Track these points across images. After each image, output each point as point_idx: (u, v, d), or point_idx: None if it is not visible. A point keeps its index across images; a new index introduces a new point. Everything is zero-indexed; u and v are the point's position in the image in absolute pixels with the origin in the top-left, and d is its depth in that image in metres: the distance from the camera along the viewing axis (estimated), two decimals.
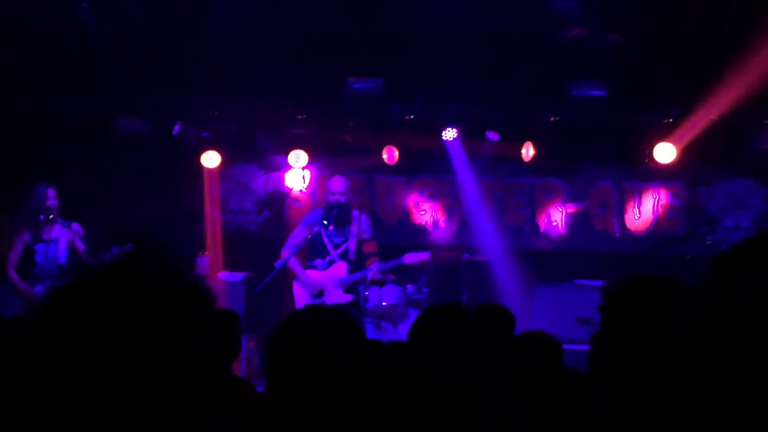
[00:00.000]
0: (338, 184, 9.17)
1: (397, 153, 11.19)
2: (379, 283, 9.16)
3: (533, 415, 3.18)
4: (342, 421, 2.64)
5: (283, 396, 2.66)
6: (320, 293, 9.03)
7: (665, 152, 10.44)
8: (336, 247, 9.16)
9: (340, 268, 9.09)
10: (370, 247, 9.25)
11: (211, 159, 11.52)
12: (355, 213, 9.24)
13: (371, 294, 9.36)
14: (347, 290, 9.07)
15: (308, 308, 2.97)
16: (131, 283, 1.56)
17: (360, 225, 9.18)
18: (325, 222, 9.04)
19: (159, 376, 1.51)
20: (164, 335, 1.53)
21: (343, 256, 9.13)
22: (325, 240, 9.14)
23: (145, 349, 1.51)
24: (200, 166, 11.58)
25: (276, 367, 2.70)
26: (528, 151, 10.87)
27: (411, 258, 9.18)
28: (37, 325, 1.54)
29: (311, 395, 2.64)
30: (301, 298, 9.16)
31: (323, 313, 2.86)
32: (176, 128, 11.15)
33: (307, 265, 9.22)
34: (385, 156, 11.21)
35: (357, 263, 9.12)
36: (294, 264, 9.15)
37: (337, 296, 8.98)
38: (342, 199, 9.05)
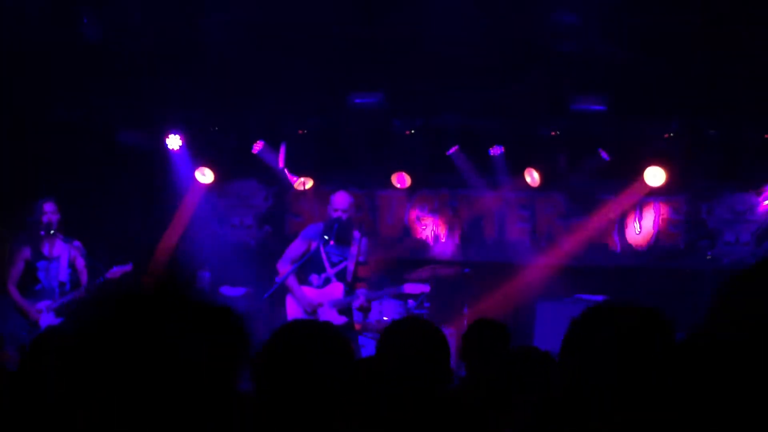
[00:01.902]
0: (342, 200, 9.00)
1: (408, 178, 11.24)
2: (365, 310, 9.09)
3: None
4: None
5: (270, 408, 2.68)
6: (314, 312, 8.87)
7: (655, 176, 10.55)
8: (333, 265, 8.98)
9: (336, 289, 8.93)
10: (363, 272, 9.13)
11: (204, 175, 11.52)
12: (356, 234, 9.06)
13: (372, 309, 9.33)
14: (341, 312, 8.91)
15: (296, 323, 2.99)
16: (147, 295, 1.58)
17: (360, 247, 9.04)
18: (326, 237, 8.92)
19: (194, 397, 1.53)
20: (176, 343, 1.54)
21: (340, 276, 8.96)
22: (323, 256, 8.98)
23: (158, 357, 1.52)
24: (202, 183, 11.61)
25: (263, 380, 2.72)
26: (533, 178, 10.91)
27: (411, 289, 9.13)
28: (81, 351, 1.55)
29: (299, 406, 2.66)
30: (294, 314, 9.02)
31: (311, 327, 2.89)
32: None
33: (303, 280, 9.07)
34: (397, 184, 11.27)
35: (353, 285, 9.00)
36: (290, 278, 9.01)
37: (331, 317, 8.81)
38: (344, 216, 8.90)
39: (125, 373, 1.50)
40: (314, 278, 8.96)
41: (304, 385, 2.67)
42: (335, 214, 8.87)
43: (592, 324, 2.38)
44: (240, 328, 1.65)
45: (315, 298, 8.87)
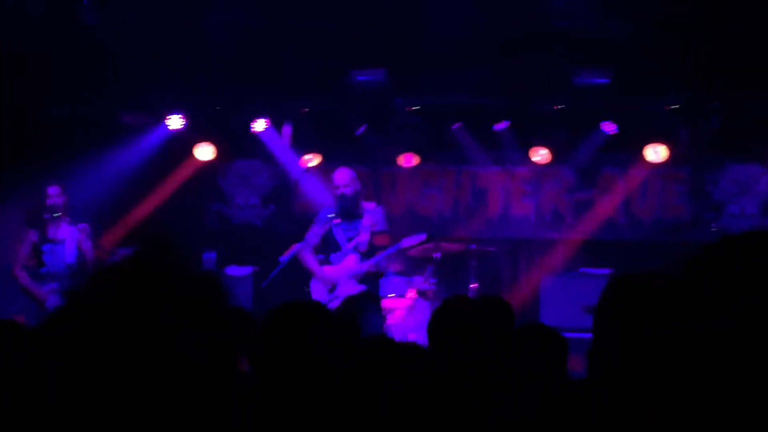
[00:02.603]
0: (342, 176, 9.02)
1: (415, 158, 11.22)
2: (377, 276, 9.11)
3: (537, 423, 3.18)
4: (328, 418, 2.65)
5: (267, 395, 2.68)
6: (333, 287, 8.97)
7: (656, 152, 10.56)
8: (349, 240, 9.08)
9: (352, 260, 9.03)
10: (380, 240, 9.15)
11: (204, 152, 11.47)
12: (370, 205, 9.12)
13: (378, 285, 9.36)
14: (360, 281, 8.99)
15: (288, 305, 2.99)
16: (142, 282, 1.57)
17: (374, 216, 9.09)
18: (330, 216, 8.99)
19: (169, 375, 1.52)
20: (172, 334, 1.54)
21: (355, 248, 9.06)
22: (337, 234, 9.07)
23: (153, 348, 1.52)
24: (201, 160, 11.58)
25: (259, 365, 2.72)
26: (542, 156, 10.90)
27: (409, 241, 9.11)
28: (53, 330, 1.56)
29: (296, 393, 2.65)
30: (318, 294, 9.11)
31: (305, 308, 2.88)
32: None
33: (322, 260, 9.16)
34: (405, 164, 11.27)
35: (369, 255, 9.05)
36: (311, 262, 9.07)
37: (349, 288, 8.90)
38: (347, 191, 8.93)
39: (119, 367, 1.50)
40: (334, 257, 9.07)
41: (300, 371, 2.66)
42: (338, 192, 8.93)
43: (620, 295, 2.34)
44: (238, 316, 1.65)
45: (333, 274, 8.98)
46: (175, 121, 11.14)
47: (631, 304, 2.20)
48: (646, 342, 2.06)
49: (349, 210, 8.95)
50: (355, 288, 8.84)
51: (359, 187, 9.14)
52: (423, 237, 9.15)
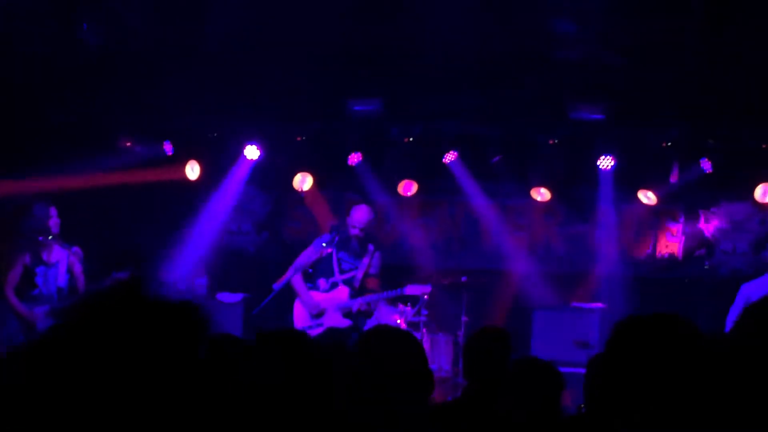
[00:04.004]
0: (361, 217, 9.15)
1: (414, 186, 11.21)
2: (366, 314, 9.15)
3: None
4: None
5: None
6: (320, 314, 9.00)
7: (648, 197, 10.64)
8: (342, 272, 9.13)
9: (342, 293, 9.06)
10: (372, 284, 9.25)
11: (192, 170, 11.42)
12: (371, 247, 9.22)
13: (371, 317, 9.37)
14: (346, 315, 9.02)
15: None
16: (123, 311, 1.58)
17: (372, 259, 9.19)
18: (323, 244, 9.04)
19: (154, 400, 1.52)
20: (155, 364, 1.54)
21: (348, 282, 9.10)
22: (334, 262, 9.12)
23: (141, 373, 1.52)
24: (195, 185, 11.55)
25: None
26: (542, 195, 10.92)
27: (413, 290, 9.18)
28: (37, 355, 1.56)
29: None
30: (300, 317, 9.14)
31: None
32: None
33: (310, 285, 9.19)
34: (404, 193, 11.25)
35: (359, 293, 9.11)
36: (298, 283, 9.13)
37: (335, 320, 8.96)
38: (362, 234, 9.10)
39: (103, 390, 1.50)
40: (322, 282, 9.13)
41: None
42: (353, 231, 9.04)
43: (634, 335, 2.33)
44: (225, 343, 1.65)
45: (321, 302, 9.02)
46: (170, 148, 11.16)
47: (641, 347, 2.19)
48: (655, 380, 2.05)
49: (356, 247, 9.10)
50: (341, 321, 8.90)
51: (371, 229, 9.29)
52: (428, 289, 9.22)
